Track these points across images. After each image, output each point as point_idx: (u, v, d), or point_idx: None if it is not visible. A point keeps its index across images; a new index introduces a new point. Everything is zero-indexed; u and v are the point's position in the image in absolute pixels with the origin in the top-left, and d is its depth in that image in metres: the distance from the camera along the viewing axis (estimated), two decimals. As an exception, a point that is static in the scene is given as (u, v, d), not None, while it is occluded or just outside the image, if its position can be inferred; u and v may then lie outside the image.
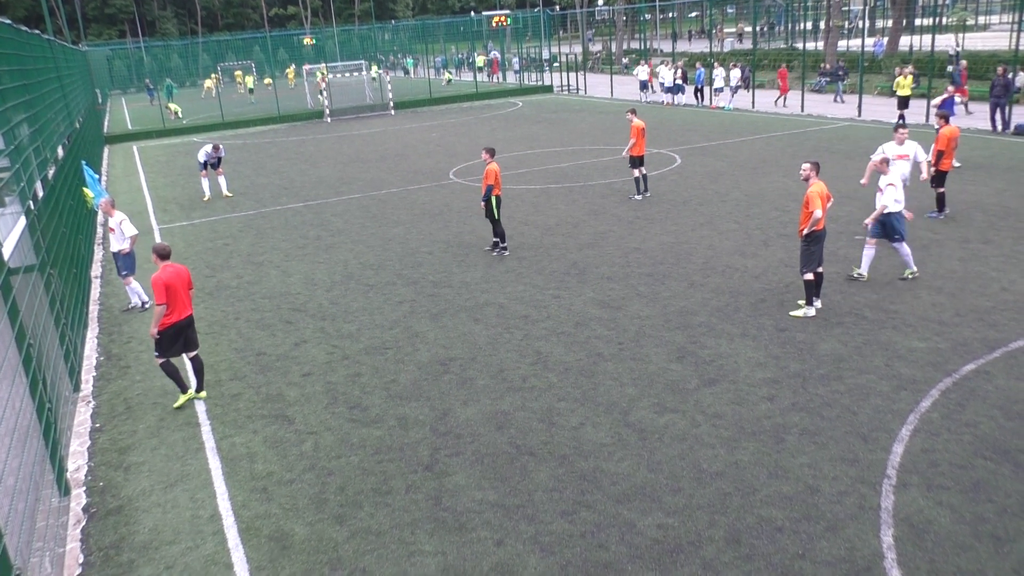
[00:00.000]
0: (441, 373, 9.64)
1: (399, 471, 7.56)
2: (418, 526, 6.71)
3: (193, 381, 9.55)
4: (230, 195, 21.69)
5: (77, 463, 8.25)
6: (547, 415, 8.41)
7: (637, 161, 17.65)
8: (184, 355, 9.30)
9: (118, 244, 12.54)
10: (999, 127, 23.19)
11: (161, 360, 9.14)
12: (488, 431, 8.18)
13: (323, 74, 42.19)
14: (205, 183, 21.46)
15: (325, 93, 40.37)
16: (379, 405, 8.94)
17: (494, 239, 14.59)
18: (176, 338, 9.11)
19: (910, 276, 11.70)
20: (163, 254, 9.09)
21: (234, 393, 9.56)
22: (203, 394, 9.49)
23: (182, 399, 9.34)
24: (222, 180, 21.86)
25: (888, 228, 11.36)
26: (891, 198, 11.16)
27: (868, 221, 11.54)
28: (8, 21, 12.05)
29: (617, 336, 10.34)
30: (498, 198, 14.06)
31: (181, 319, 9.03)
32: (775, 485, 6.90)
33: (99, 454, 8.41)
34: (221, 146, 21.46)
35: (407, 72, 67.04)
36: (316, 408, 8.99)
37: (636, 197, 17.84)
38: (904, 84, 24.59)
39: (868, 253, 11.67)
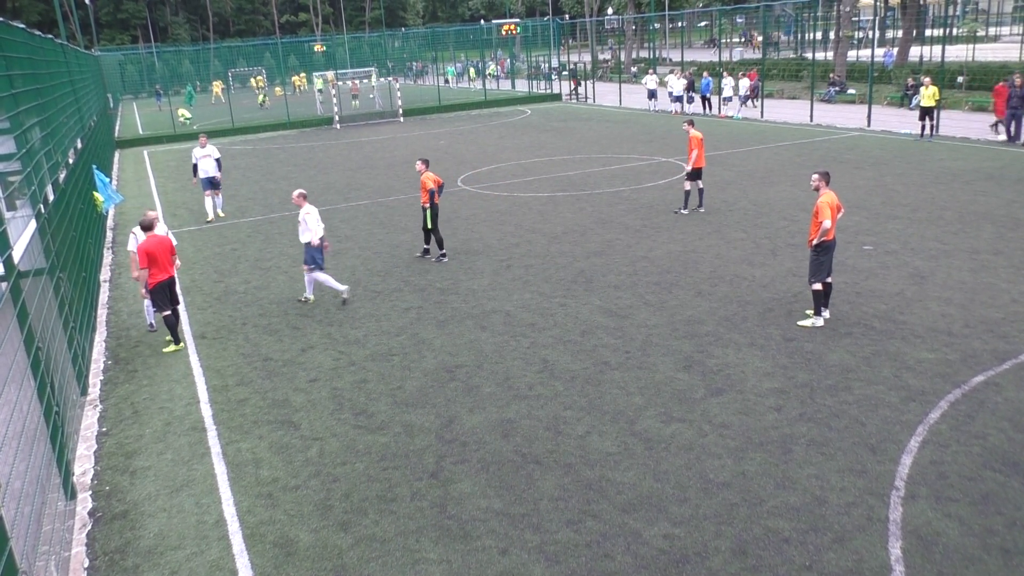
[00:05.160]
0: (447, 380, 9.64)
1: (404, 478, 7.55)
2: (423, 534, 6.69)
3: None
4: (223, 215, 20.31)
5: (83, 467, 8.27)
6: (553, 423, 8.39)
7: (695, 174, 16.80)
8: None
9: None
10: (1011, 137, 23.08)
11: (166, 312, 11.09)
12: (494, 439, 8.16)
13: (331, 78, 42.39)
14: (208, 203, 20.10)
15: (339, 98, 40.61)
16: (385, 412, 8.94)
17: (426, 247, 14.92)
18: (165, 293, 11.03)
19: (303, 300, 12.92)
20: (145, 227, 11.11)
21: (240, 398, 9.58)
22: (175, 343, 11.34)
23: (171, 348, 11.23)
24: (219, 200, 20.32)
25: (315, 254, 12.47)
26: (313, 226, 12.29)
27: (327, 245, 12.70)
28: (22, 26, 12.16)
29: (624, 345, 10.32)
30: (435, 207, 14.35)
31: (166, 278, 10.96)
32: (782, 496, 6.86)
33: (105, 458, 8.43)
34: (207, 141, 19.99)
35: (447, 81, 66.71)
36: (322, 414, 8.99)
37: (683, 211, 17.00)
38: (928, 95, 24.32)
39: (318, 278, 12.64)
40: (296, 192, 12.71)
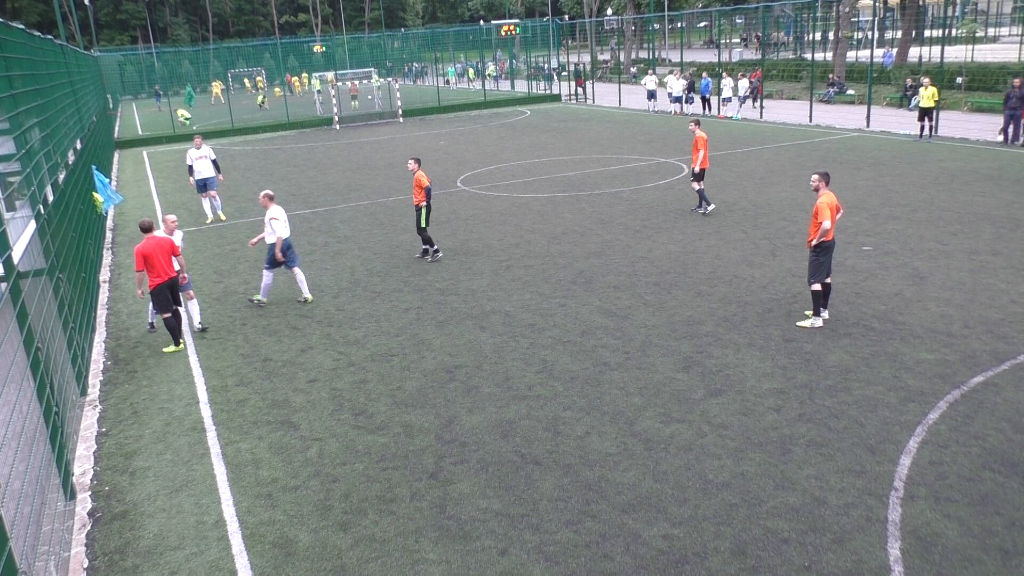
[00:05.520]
0: (447, 381, 9.64)
1: (404, 479, 7.56)
2: (422, 534, 6.69)
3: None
4: (223, 217, 19.88)
5: (83, 467, 8.27)
6: (553, 424, 8.40)
7: (702, 174, 16.66)
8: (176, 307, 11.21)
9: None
10: (1010, 138, 23.11)
11: (166, 315, 11.05)
12: (493, 439, 8.17)
13: (332, 80, 42.40)
14: (206, 204, 19.91)
15: (340, 98, 40.60)
16: (384, 412, 8.94)
17: (425, 247, 14.92)
18: (165, 295, 10.95)
19: (302, 301, 12.93)
20: (144, 228, 10.96)
21: (240, 399, 9.58)
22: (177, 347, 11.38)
23: (171, 349, 11.23)
24: (217, 202, 19.98)
25: (273, 256, 12.54)
26: (279, 229, 12.36)
27: (253, 241, 13.03)
28: (22, 27, 12.16)
29: (623, 345, 10.32)
30: (428, 207, 14.43)
31: (165, 280, 10.87)
32: (781, 496, 6.87)
33: (105, 459, 8.43)
34: (203, 142, 19.68)
35: (448, 82, 66.57)
36: (322, 415, 8.99)
37: (710, 208, 16.82)
38: (927, 96, 24.30)
39: (265, 278, 12.81)
40: (262, 193, 12.75)
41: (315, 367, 10.35)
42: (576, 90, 46.95)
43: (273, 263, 12.58)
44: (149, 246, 10.77)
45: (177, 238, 11.78)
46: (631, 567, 6.11)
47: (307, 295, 12.92)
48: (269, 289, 12.89)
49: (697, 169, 16.63)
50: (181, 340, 11.43)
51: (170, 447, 8.56)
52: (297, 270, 12.82)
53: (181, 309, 11.50)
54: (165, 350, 11.25)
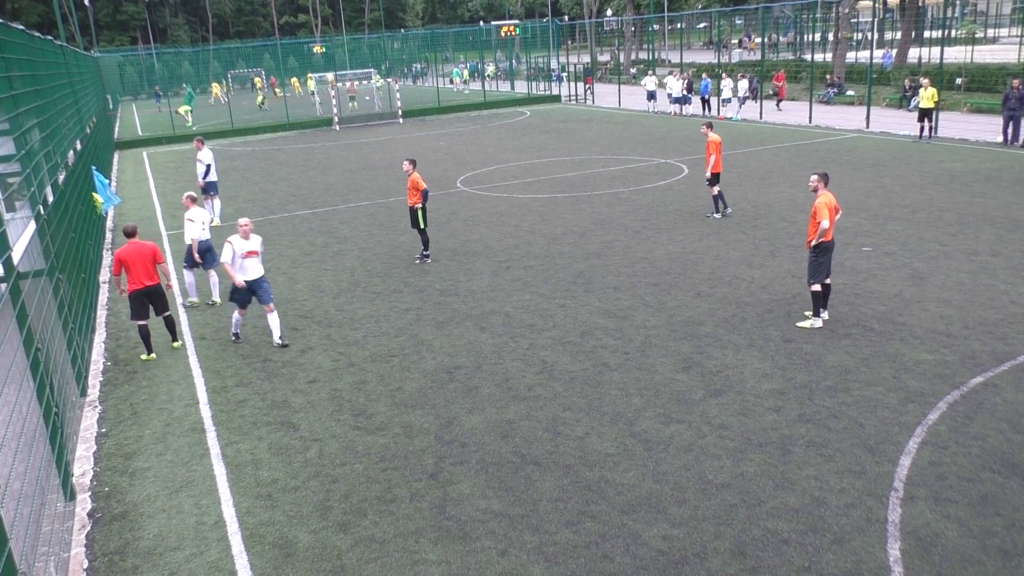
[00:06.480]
0: (446, 381, 9.64)
1: (403, 479, 7.56)
2: (422, 535, 6.70)
3: (172, 337, 11.51)
4: (217, 223, 19.17)
5: (83, 468, 8.27)
6: (552, 424, 8.40)
7: (716, 178, 16.30)
8: (159, 316, 11.14)
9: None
10: (1009, 139, 23.12)
11: (139, 323, 10.91)
12: (493, 440, 8.17)
13: (332, 81, 42.39)
14: (208, 206, 19.43)
15: (340, 99, 40.62)
16: (384, 413, 8.94)
17: (426, 253, 14.91)
18: (140, 302, 10.77)
19: (210, 303, 13.25)
20: (127, 233, 10.93)
21: (240, 399, 9.58)
22: (177, 344, 11.40)
23: (145, 357, 11.05)
24: (216, 205, 19.70)
25: (191, 256, 12.89)
26: (190, 231, 12.74)
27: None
28: (22, 27, 12.17)
29: (623, 346, 10.32)
30: (424, 207, 14.44)
31: (141, 288, 10.70)
32: (781, 497, 6.87)
33: (105, 459, 8.43)
34: (203, 145, 19.51)
35: (451, 82, 66.31)
36: (321, 415, 8.99)
37: (715, 215, 16.53)
38: (927, 96, 24.28)
39: (188, 281, 13.20)
40: (185, 195, 13.23)
41: (315, 368, 10.35)
42: (584, 89, 46.95)
43: (191, 263, 12.89)
44: (128, 252, 10.69)
45: (256, 243, 11.11)
46: (631, 568, 6.11)
47: (216, 299, 13.28)
48: (194, 288, 13.19)
49: (708, 174, 16.26)
50: (180, 339, 11.50)
51: (170, 448, 8.56)
52: (212, 272, 13.16)
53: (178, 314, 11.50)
54: (143, 358, 11.10)
